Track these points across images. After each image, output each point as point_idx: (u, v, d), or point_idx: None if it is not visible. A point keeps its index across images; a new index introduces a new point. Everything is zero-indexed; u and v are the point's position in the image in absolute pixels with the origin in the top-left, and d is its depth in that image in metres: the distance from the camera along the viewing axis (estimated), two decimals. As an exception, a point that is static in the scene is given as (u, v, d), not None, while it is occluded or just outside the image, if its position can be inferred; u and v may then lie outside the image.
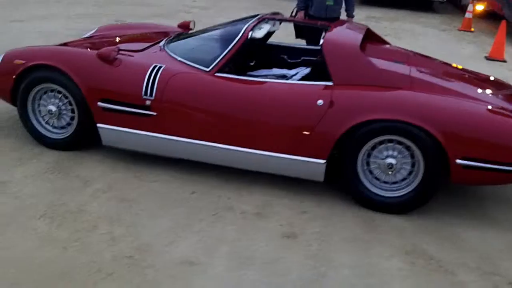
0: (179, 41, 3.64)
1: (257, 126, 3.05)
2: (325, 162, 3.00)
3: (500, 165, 2.82)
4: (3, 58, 3.50)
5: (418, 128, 2.83)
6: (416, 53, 3.90)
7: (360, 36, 3.28)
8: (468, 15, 9.93)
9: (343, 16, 4.96)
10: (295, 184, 3.26)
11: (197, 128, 3.14)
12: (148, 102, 3.14)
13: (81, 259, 2.45)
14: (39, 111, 3.49)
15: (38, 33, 6.77)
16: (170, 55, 3.40)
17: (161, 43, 3.64)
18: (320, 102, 2.95)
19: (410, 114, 2.82)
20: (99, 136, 3.39)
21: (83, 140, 3.50)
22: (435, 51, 4.16)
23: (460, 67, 3.95)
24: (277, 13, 3.90)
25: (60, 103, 3.42)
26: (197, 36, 3.70)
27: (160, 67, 3.19)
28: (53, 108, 3.42)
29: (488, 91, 3.38)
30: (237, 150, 3.10)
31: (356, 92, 2.97)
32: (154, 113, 3.15)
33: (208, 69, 3.17)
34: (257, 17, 3.51)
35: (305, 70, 3.80)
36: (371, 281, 2.46)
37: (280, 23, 3.88)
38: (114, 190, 3.10)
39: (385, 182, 3.05)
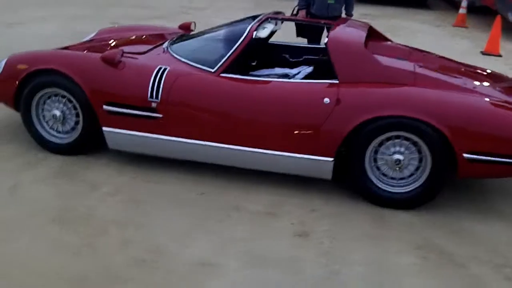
0: (182, 43, 3.64)
1: (264, 125, 3.06)
2: (332, 160, 3.01)
3: (506, 158, 2.85)
4: (6, 63, 3.48)
5: (425, 124, 2.84)
6: (417, 49, 3.92)
7: (364, 34, 3.30)
8: (462, 11, 9.99)
9: (343, 15, 4.98)
10: (302, 183, 3.27)
11: (203, 129, 3.13)
12: (154, 105, 3.14)
13: (94, 264, 2.44)
14: (43, 116, 3.48)
15: (35, 36, 6.73)
16: (174, 57, 3.39)
17: (164, 45, 3.63)
18: (326, 100, 2.96)
19: (417, 110, 2.84)
20: (103, 139, 3.37)
21: (88, 144, 3.48)
22: (431, 47, 4.19)
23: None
24: (279, 13, 3.90)
25: (65, 108, 3.40)
26: (200, 37, 3.70)
27: (165, 69, 3.18)
28: (57, 112, 3.40)
29: (489, 84, 3.41)
30: (244, 150, 3.11)
31: (362, 90, 2.98)
32: (160, 115, 3.14)
33: (213, 70, 3.17)
34: (260, 17, 3.51)
35: (307, 69, 3.81)
36: (384, 277, 2.47)
37: (282, 22, 3.88)
38: (122, 193, 3.09)
39: (393, 178, 3.06)
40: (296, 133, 3.01)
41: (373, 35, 3.70)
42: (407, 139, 2.96)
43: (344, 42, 3.19)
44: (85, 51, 3.57)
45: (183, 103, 3.13)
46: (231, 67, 3.20)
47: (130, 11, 9.30)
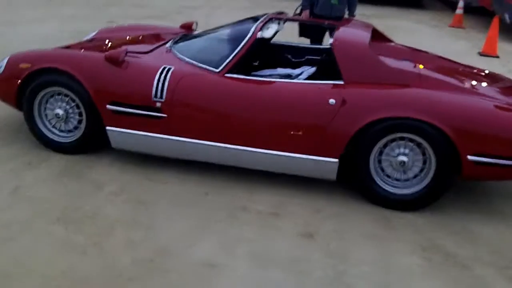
0: (185, 42, 3.63)
1: (268, 126, 3.06)
2: (337, 161, 3.02)
3: (510, 160, 2.87)
4: (7, 61, 3.46)
5: (430, 125, 2.86)
6: (419, 50, 3.94)
7: (368, 35, 3.31)
8: (459, 11, 10.04)
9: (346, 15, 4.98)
10: (306, 183, 3.28)
11: (208, 129, 3.13)
12: (158, 104, 3.13)
13: (101, 264, 2.43)
14: (46, 115, 3.46)
15: (34, 36, 6.70)
16: (178, 56, 3.39)
17: (168, 45, 3.62)
18: (332, 101, 2.97)
19: (422, 112, 2.86)
20: (106, 139, 3.36)
21: (91, 143, 3.47)
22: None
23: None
24: (282, 13, 3.90)
25: (68, 107, 3.39)
26: (203, 37, 3.70)
27: (169, 69, 3.17)
28: (60, 111, 3.39)
29: (492, 86, 3.44)
30: (249, 151, 3.11)
31: (368, 91, 2.99)
32: (165, 115, 3.14)
33: (217, 70, 3.17)
34: (264, 17, 3.51)
35: (310, 69, 3.82)
36: (391, 278, 2.48)
37: (285, 22, 3.88)
38: (127, 192, 3.08)
39: (397, 180, 3.08)
40: (301, 134, 3.01)
41: (375, 35, 3.71)
42: (411, 140, 2.97)
43: (349, 43, 3.20)
44: (89, 51, 3.55)
45: (188, 103, 3.12)
46: (235, 67, 3.20)
47: (127, 10, 9.27)
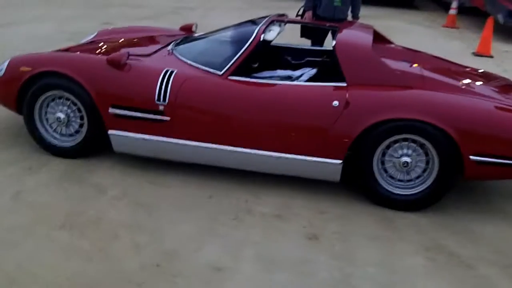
0: (187, 44, 3.62)
1: (272, 128, 3.06)
2: (341, 163, 3.03)
3: (511, 159, 2.90)
4: (8, 64, 3.43)
5: (433, 127, 2.88)
6: (419, 51, 3.97)
7: (370, 37, 3.33)
8: (452, 11, 10.11)
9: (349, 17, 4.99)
10: (309, 185, 3.28)
11: (211, 131, 3.13)
12: (161, 107, 3.12)
13: (108, 269, 2.42)
14: (47, 119, 3.43)
15: (30, 37, 6.66)
16: (180, 59, 3.38)
17: (169, 47, 3.61)
18: (335, 103, 2.98)
19: (425, 113, 2.87)
20: (107, 142, 3.35)
21: (92, 147, 3.45)
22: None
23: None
24: (283, 15, 3.91)
25: (69, 110, 3.37)
26: (205, 39, 3.70)
27: (172, 72, 3.17)
28: (61, 115, 3.36)
29: (492, 86, 3.47)
30: (253, 153, 3.11)
31: (371, 93, 3.01)
32: (168, 118, 3.13)
33: (221, 73, 3.17)
34: (266, 19, 3.51)
35: (311, 71, 3.82)
36: (396, 279, 2.50)
37: (285, 24, 3.89)
38: (130, 196, 3.07)
39: (400, 180, 3.09)
40: (305, 136, 3.02)
41: (376, 37, 3.72)
42: (414, 141, 2.99)
43: (352, 45, 3.22)
44: (89, 54, 3.53)
45: (191, 105, 3.12)
46: (238, 70, 3.19)
47: (122, 11, 9.24)
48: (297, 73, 3.84)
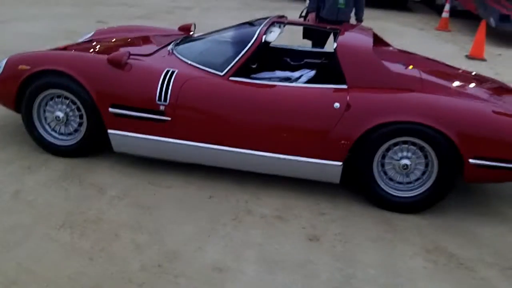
0: (187, 45, 3.61)
1: (273, 129, 3.07)
2: (341, 164, 3.05)
3: (511, 163, 2.93)
4: (6, 62, 3.39)
5: (433, 130, 2.90)
6: (416, 54, 4.00)
7: (371, 40, 3.35)
8: (445, 14, 10.20)
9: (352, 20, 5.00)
10: (308, 186, 3.30)
11: (212, 132, 3.13)
12: (162, 107, 3.11)
13: (110, 270, 2.41)
14: (45, 117, 3.41)
15: (25, 34, 6.59)
16: (181, 59, 3.38)
17: (169, 47, 3.60)
18: (336, 105, 2.99)
19: (426, 116, 2.90)
20: (106, 142, 3.33)
21: (91, 146, 3.43)
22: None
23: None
24: (283, 16, 3.91)
25: (68, 109, 3.34)
26: (205, 40, 3.69)
27: (173, 72, 3.16)
28: (60, 114, 3.34)
29: (489, 89, 3.51)
30: (254, 154, 3.11)
31: (372, 95, 3.02)
32: (169, 118, 3.12)
33: (222, 74, 3.17)
34: (267, 20, 3.51)
35: (310, 73, 3.83)
36: (398, 281, 2.51)
37: (284, 26, 3.89)
38: (130, 196, 3.06)
39: (400, 183, 3.12)
40: (306, 137, 3.03)
41: (375, 40, 3.74)
42: (413, 144, 3.01)
43: (353, 47, 3.23)
44: (88, 52, 3.51)
45: (192, 106, 3.11)
46: (240, 71, 3.19)
47: (117, 10, 9.19)
48: (295, 74, 3.85)
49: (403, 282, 2.51)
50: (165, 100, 3.10)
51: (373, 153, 3.02)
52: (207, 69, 3.23)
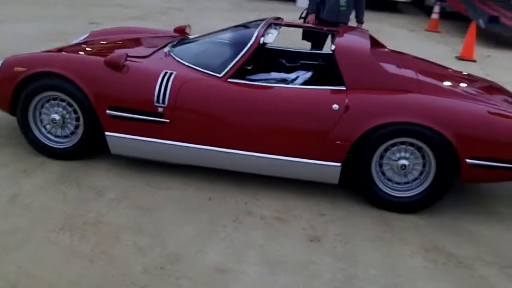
0: (184, 46, 3.61)
1: (272, 131, 3.07)
2: (340, 165, 3.06)
3: (508, 163, 2.97)
4: (1, 64, 3.36)
5: (431, 130, 2.93)
6: (413, 56, 4.04)
7: (368, 41, 3.37)
8: (434, 16, 10.29)
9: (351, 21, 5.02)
10: (307, 187, 3.30)
11: (211, 134, 3.12)
12: (160, 109, 3.10)
13: (111, 273, 2.39)
14: (41, 120, 3.37)
15: (19, 36, 6.53)
16: (178, 61, 3.37)
17: (166, 49, 3.59)
18: (335, 106, 3.00)
19: (424, 117, 2.92)
20: (103, 144, 3.31)
21: (87, 149, 3.40)
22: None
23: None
24: (279, 18, 3.92)
25: (64, 112, 3.32)
26: (202, 41, 3.68)
27: (171, 74, 3.15)
28: (56, 116, 3.31)
29: (480, 89, 3.55)
30: (252, 156, 3.11)
31: (371, 96, 3.04)
32: (167, 120, 3.11)
33: (220, 75, 3.16)
34: (264, 22, 3.52)
35: (306, 74, 3.85)
36: (398, 280, 2.53)
37: (280, 27, 3.90)
38: (129, 199, 3.04)
39: (398, 183, 3.14)
40: (305, 139, 3.04)
41: (371, 42, 3.76)
42: (411, 144, 3.04)
43: (351, 49, 3.25)
44: (84, 54, 3.48)
45: (191, 108, 3.11)
46: (238, 73, 3.19)
47: (110, 11, 9.15)
48: (292, 75, 3.86)
49: (403, 281, 2.53)
50: (163, 102, 3.09)
51: (372, 154, 3.04)
52: (205, 70, 3.22)
